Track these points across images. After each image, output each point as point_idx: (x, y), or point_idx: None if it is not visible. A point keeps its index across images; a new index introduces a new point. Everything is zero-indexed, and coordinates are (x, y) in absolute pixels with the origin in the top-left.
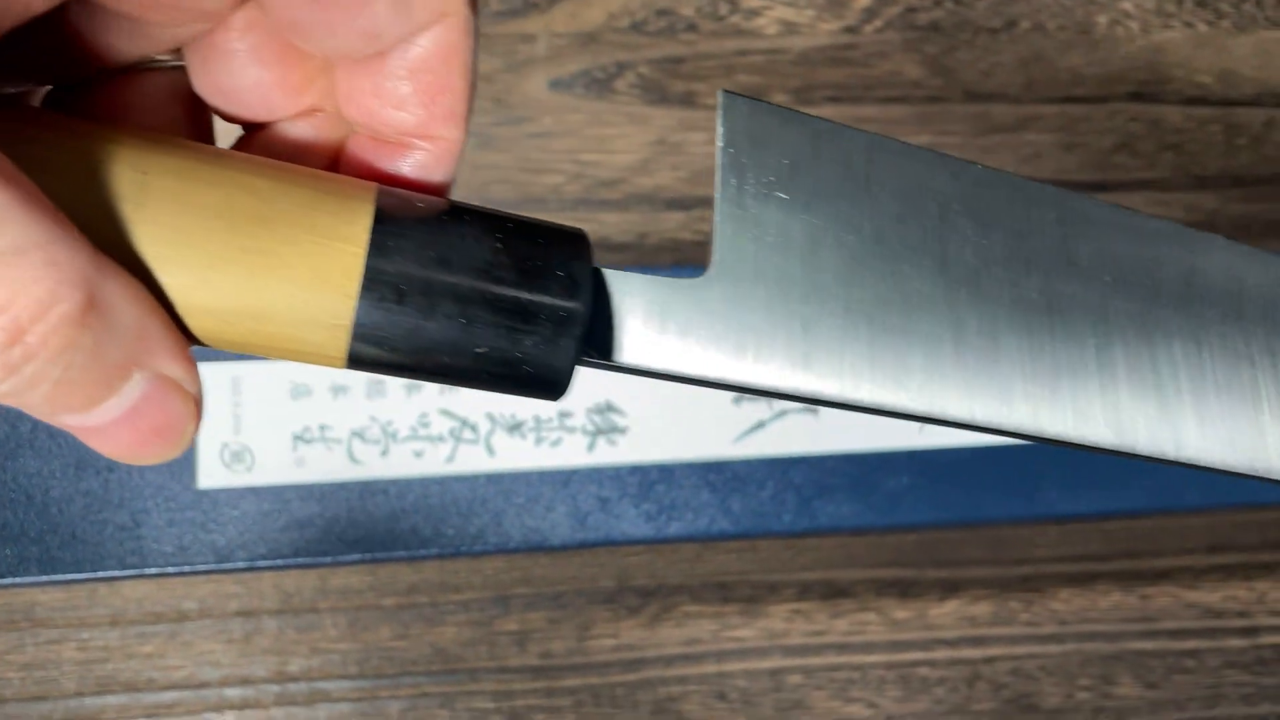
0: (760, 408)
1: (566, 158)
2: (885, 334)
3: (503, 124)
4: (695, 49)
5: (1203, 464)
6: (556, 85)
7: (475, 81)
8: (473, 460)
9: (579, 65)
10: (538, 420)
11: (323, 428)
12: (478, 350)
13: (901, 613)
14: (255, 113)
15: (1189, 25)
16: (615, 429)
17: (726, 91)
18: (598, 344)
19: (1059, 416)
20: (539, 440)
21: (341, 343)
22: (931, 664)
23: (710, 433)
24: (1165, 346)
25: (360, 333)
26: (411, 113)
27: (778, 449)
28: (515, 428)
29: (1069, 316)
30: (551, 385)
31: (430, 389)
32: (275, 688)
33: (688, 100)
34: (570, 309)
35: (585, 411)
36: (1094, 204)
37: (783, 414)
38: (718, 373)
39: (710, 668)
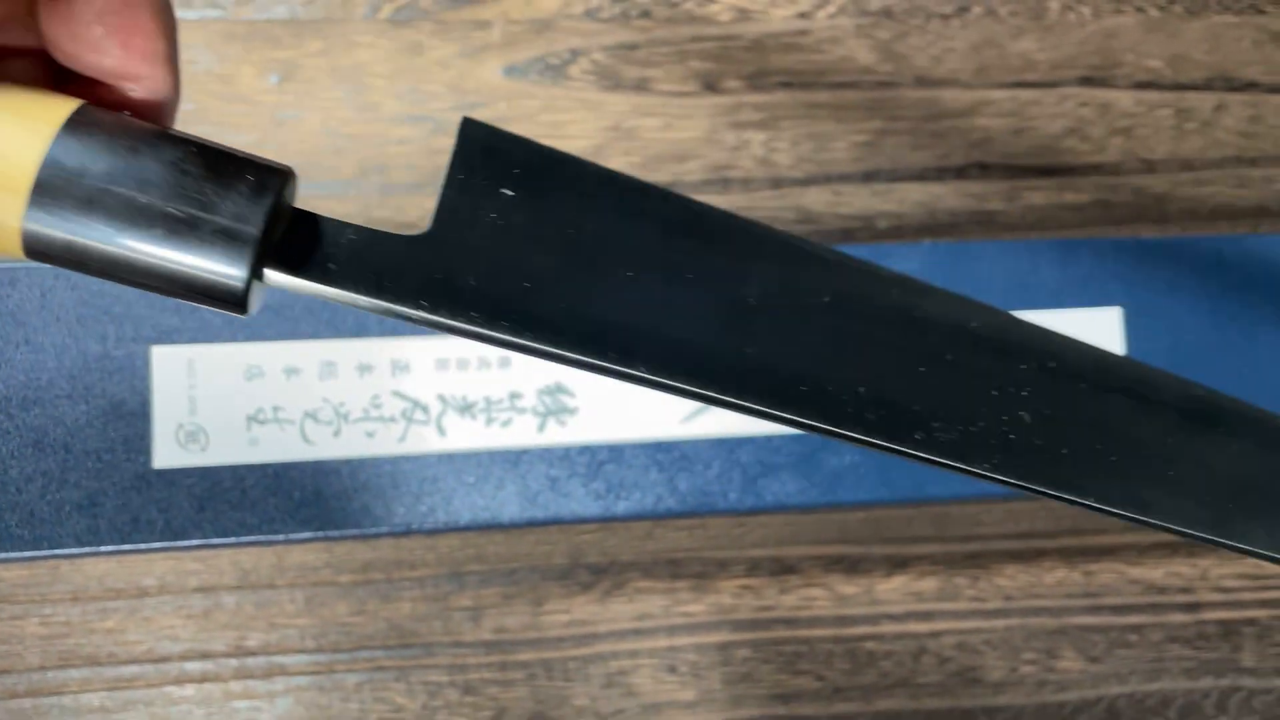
0: None
1: None
2: (590, 304)
3: (458, 109)
4: (649, 35)
5: (915, 454)
6: (511, 71)
7: (173, 21)
8: (424, 440)
9: (534, 52)
10: (489, 401)
11: (276, 409)
12: (152, 249)
13: (848, 588)
14: None
15: (1140, 10)
16: (565, 410)
17: (468, 118)
18: (291, 264)
19: (760, 391)
20: (490, 421)
21: (15, 220)
22: (878, 638)
23: (658, 413)
24: (872, 346)
25: (37, 209)
26: (109, 55)
27: (724, 429)
28: (466, 409)
29: (781, 320)
30: (228, 297)
31: (382, 371)
32: (234, 662)
33: (641, 86)
34: (243, 231)
35: (536, 393)
36: (810, 245)
37: None
38: (416, 310)
39: (661, 642)
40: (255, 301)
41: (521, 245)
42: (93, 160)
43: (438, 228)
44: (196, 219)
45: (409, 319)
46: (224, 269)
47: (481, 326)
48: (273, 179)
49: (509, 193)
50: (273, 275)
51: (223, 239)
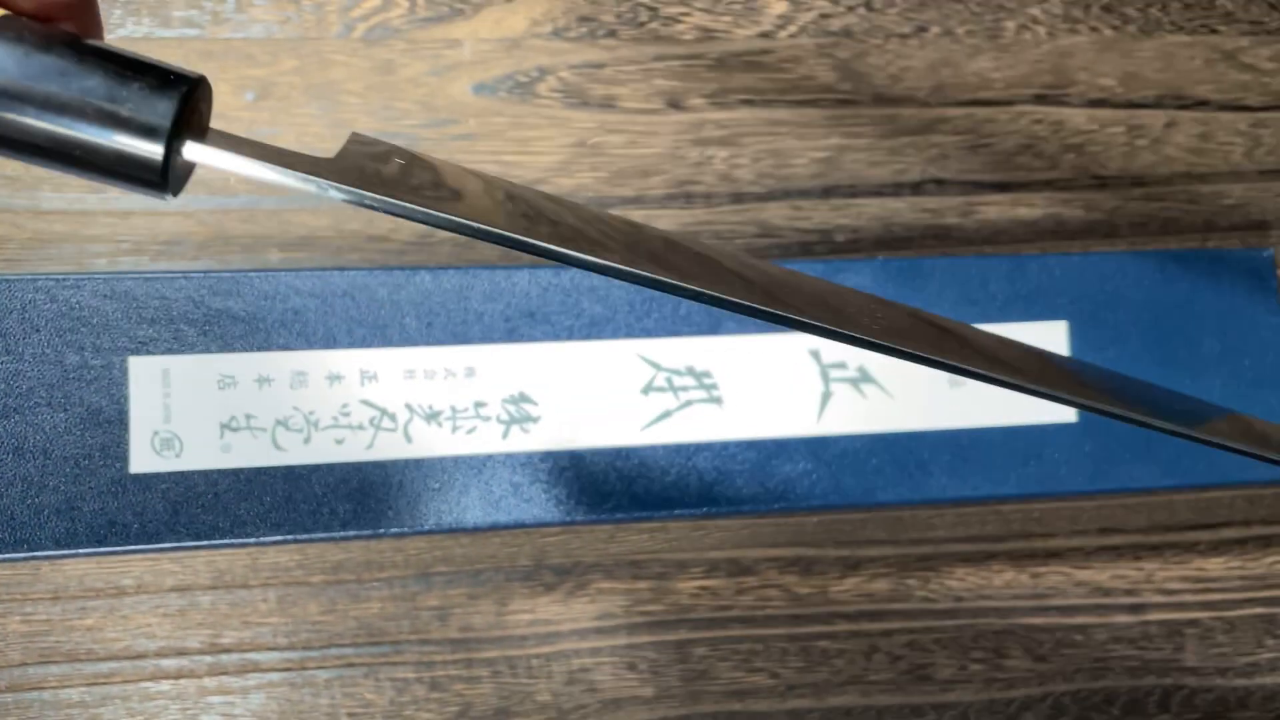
0: (667, 398)
1: (490, 159)
2: (498, 204)
3: (428, 126)
4: (615, 54)
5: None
6: (480, 89)
7: None
8: (391, 447)
9: (502, 70)
10: (454, 410)
11: (248, 416)
12: (72, 129)
13: (803, 589)
14: None
15: (1095, 30)
16: (529, 418)
17: (355, 133)
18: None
19: (655, 266)
20: (455, 428)
21: None
22: (831, 637)
23: (619, 422)
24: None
25: None
26: None
27: (682, 436)
28: (433, 417)
29: (670, 252)
30: (147, 167)
31: (351, 381)
32: (209, 659)
33: (607, 104)
34: (159, 105)
35: (500, 402)
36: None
37: (688, 404)
38: (329, 179)
39: (622, 640)
40: (176, 180)
41: (422, 176)
42: (15, 56)
43: (343, 158)
44: (115, 102)
45: (322, 192)
46: (142, 141)
47: (390, 197)
48: (188, 75)
49: (400, 161)
50: (192, 149)
51: (141, 115)
